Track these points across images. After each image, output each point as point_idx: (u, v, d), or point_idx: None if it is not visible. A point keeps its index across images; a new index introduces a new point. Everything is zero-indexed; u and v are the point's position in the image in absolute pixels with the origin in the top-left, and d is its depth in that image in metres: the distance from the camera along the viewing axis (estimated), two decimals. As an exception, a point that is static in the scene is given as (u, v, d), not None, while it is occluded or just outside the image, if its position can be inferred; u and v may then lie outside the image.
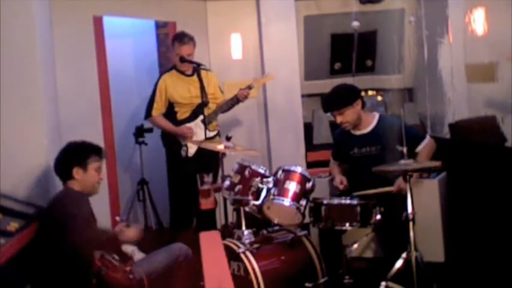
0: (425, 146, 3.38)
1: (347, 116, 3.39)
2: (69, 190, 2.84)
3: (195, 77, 4.11)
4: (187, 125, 4.20)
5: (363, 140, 3.45)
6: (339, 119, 3.43)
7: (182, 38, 4.16)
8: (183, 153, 4.19)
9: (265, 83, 4.75)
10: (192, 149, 4.18)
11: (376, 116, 3.51)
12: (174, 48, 4.20)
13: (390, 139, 3.21)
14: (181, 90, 4.22)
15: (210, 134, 4.15)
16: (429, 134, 4.75)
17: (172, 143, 4.25)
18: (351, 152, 3.49)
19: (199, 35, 5.14)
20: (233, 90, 5.29)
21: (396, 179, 3.23)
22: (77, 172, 2.82)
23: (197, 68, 4.02)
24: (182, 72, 4.26)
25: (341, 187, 3.43)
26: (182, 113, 4.24)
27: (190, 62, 4.11)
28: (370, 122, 3.47)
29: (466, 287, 3.24)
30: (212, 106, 4.23)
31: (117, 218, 3.15)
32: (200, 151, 4.10)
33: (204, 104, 3.96)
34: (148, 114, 4.26)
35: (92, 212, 2.81)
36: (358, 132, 3.48)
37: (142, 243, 3.15)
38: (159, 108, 4.22)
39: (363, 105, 3.46)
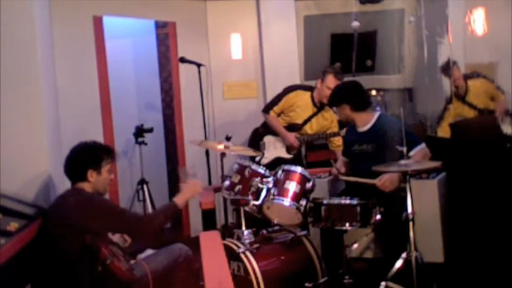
0: (417, 152, 3.27)
1: (339, 113, 3.64)
2: (83, 191, 2.79)
3: (320, 113, 4.26)
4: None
5: (362, 137, 3.47)
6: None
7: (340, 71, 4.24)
8: (257, 158, 4.24)
9: (265, 83, 4.74)
10: (266, 160, 4.25)
11: (376, 114, 3.50)
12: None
13: (386, 138, 3.20)
14: (302, 112, 4.24)
15: (289, 155, 4.31)
16: (429, 134, 4.78)
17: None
18: (352, 148, 3.51)
19: (199, 35, 5.15)
20: (233, 90, 5.30)
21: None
22: (91, 175, 2.79)
23: (322, 107, 4.20)
24: (314, 102, 4.25)
25: (335, 172, 3.53)
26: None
27: (191, 62, 4.10)
28: (369, 121, 3.47)
29: (465, 287, 3.24)
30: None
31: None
32: (273, 164, 4.07)
33: (299, 128, 4.20)
34: (267, 109, 4.30)
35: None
36: (360, 129, 3.51)
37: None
38: (276, 112, 4.27)
39: (357, 108, 3.44)
